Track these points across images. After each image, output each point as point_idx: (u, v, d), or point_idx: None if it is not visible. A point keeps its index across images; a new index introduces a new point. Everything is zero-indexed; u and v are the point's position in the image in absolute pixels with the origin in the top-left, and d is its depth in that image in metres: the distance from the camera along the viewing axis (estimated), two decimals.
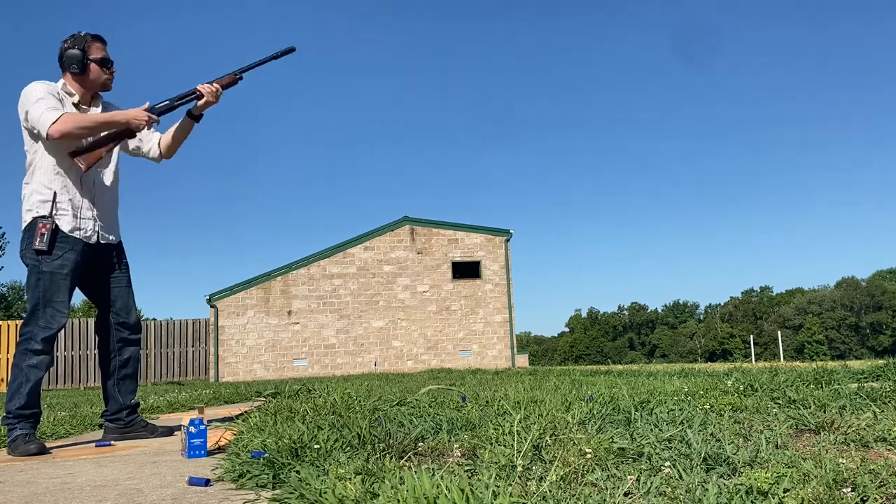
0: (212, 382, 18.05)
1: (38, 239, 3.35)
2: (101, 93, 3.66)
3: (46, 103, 3.34)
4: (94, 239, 3.55)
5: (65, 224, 3.42)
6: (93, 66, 3.52)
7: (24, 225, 3.45)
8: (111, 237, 3.66)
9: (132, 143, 3.79)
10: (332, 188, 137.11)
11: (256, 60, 3.73)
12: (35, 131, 3.37)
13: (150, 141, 3.81)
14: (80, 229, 3.48)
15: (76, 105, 3.52)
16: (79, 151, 3.45)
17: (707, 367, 10.21)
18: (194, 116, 3.71)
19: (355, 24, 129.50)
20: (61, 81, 3.53)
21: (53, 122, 3.29)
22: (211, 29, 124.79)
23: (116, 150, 3.72)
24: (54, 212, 3.40)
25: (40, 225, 3.35)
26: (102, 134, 3.53)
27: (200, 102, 3.64)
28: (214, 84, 3.65)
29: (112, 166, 3.70)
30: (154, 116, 3.56)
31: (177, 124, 3.78)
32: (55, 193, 3.41)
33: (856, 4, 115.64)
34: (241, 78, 3.73)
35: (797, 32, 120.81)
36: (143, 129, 3.56)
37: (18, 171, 3.58)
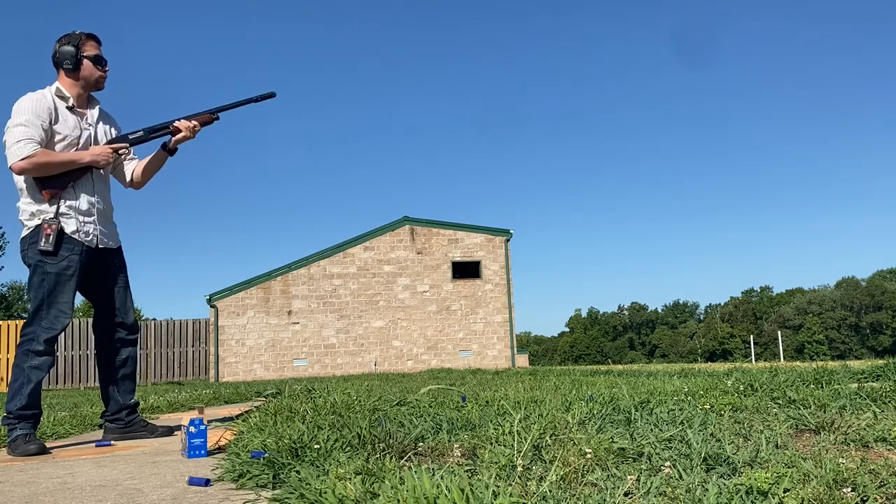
0: (212, 382, 18.05)
1: (44, 240, 3.33)
2: (95, 93, 3.64)
3: (25, 132, 3.29)
4: (95, 243, 3.55)
5: (69, 227, 3.43)
6: (86, 62, 3.50)
7: (26, 231, 3.42)
8: (111, 242, 3.66)
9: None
10: (333, 188, 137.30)
11: (235, 101, 3.74)
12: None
13: (127, 165, 3.80)
14: (82, 232, 3.48)
15: (71, 108, 3.50)
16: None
17: (707, 367, 10.21)
18: (169, 150, 3.72)
19: (356, 23, 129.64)
20: (55, 85, 3.51)
21: (22, 158, 3.27)
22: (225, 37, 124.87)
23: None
24: (59, 213, 3.40)
25: (45, 226, 3.35)
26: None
27: (178, 136, 3.65)
28: (193, 121, 3.65)
29: (106, 176, 3.70)
30: (118, 153, 3.54)
31: (151, 156, 3.76)
32: (59, 197, 3.41)
33: (856, 2, 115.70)
34: (217, 118, 3.73)
35: (797, 29, 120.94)
36: (106, 164, 3.52)
37: None
